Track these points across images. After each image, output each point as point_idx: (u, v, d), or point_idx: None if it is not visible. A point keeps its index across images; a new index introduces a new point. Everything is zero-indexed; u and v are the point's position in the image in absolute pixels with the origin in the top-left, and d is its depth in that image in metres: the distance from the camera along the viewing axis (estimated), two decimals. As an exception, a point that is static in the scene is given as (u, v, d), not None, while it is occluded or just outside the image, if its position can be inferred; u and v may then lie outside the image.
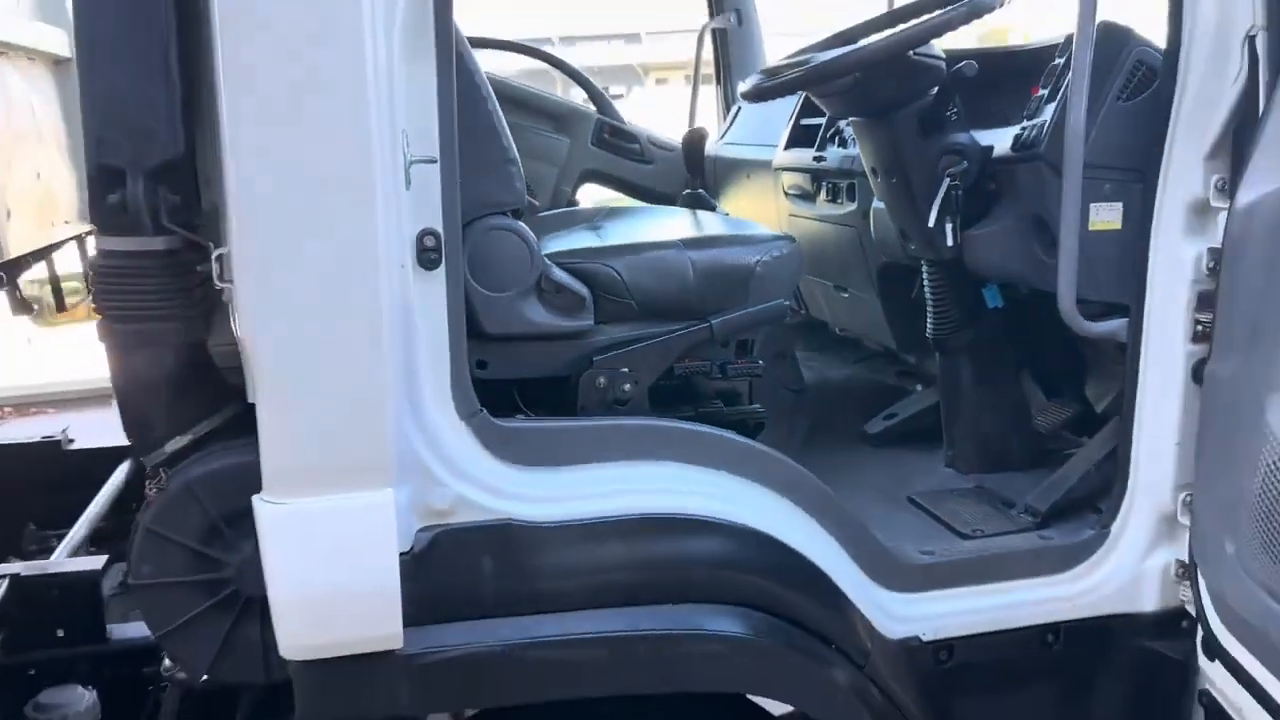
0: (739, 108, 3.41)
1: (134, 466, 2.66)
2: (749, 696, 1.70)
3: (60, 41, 2.43)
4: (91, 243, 1.92)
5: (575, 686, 1.50)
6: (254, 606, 1.43)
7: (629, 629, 1.50)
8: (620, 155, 3.40)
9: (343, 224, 1.31)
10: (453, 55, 1.40)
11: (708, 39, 3.55)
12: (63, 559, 2.12)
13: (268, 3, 1.23)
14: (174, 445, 1.46)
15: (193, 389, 1.49)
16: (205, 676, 1.48)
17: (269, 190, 1.27)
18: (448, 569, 1.44)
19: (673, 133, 3.44)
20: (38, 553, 2.47)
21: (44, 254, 2.34)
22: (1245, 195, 1.57)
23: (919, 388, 2.57)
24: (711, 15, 3.53)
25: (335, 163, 1.29)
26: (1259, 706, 1.56)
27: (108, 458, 2.77)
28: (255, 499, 1.36)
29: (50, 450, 2.82)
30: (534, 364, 1.70)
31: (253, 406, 1.35)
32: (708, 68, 3.66)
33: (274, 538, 1.35)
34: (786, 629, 1.58)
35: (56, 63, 2.47)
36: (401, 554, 1.39)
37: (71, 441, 2.87)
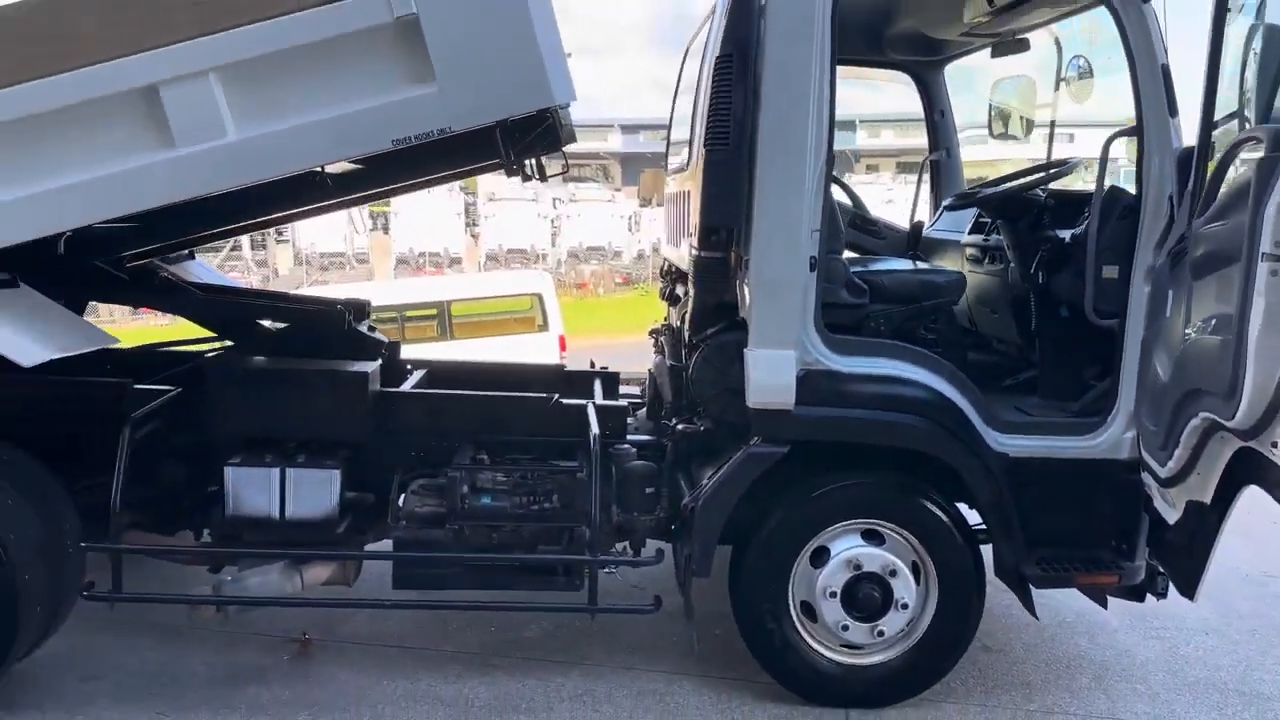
0: (943, 208, 5.64)
1: (603, 382, 5.12)
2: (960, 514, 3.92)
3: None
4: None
5: (855, 436, 3.79)
6: (740, 390, 3.79)
7: (882, 419, 3.77)
8: (865, 234, 5.69)
9: (791, 251, 3.67)
10: (830, 183, 3.76)
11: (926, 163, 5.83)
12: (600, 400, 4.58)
13: (775, 163, 3.62)
14: (711, 331, 3.88)
15: (717, 310, 3.89)
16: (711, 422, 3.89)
17: (766, 235, 3.66)
18: (810, 384, 3.75)
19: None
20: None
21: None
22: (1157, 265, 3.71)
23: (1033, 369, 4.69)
24: (931, 150, 5.80)
25: (792, 228, 3.66)
26: (1150, 479, 3.63)
27: (584, 377, 5.26)
28: (745, 350, 3.73)
29: (556, 370, 5.37)
30: (841, 316, 3.99)
31: (739, 319, 3.74)
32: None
33: (754, 364, 3.71)
34: (948, 432, 3.79)
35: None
36: (796, 376, 3.72)
37: (565, 366, 5.41)
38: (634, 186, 49.16)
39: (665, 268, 5.36)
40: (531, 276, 17.27)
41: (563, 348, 14.49)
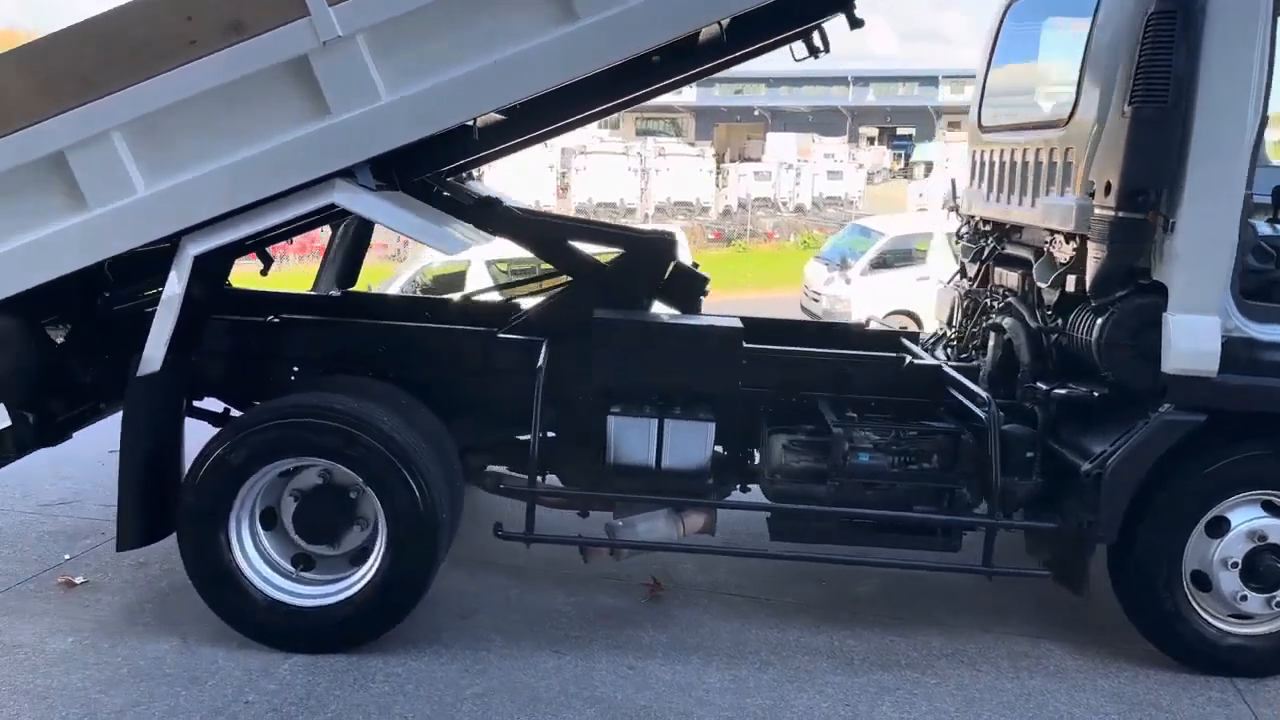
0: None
1: (912, 342, 5.08)
2: None
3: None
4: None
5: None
6: (1151, 355, 3.73)
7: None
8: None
9: (1224, 214, 3.59)
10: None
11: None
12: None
13: (1215, 123, 3.53)
14: (1120, 294, 3.80)
15: (1125, 276, 3.81)
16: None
17: (1200, 196, 3.58)
18: (1230, 352, 3.68)
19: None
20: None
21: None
22: None
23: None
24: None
25: (1228, 190, 3.57)
26: None
27: (887, 336, 5.23)
28: (1165, 315, 3.66)
29: (859, 328, 5.35)
30: (1253, 282, 3.86)
31: (1148, 283, 3.68)
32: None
33: (1176, 329, 3.65)
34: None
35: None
36: (1222, 342, 3.65)
37: (866, 325, 5.39)
38: (706, 141, 48.95)
39: (977, 227, 5.28)
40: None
41: (697, 303, 14.44)
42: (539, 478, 4.47)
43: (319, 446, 3.77)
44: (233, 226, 3.72)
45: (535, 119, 4.42)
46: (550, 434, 4.45)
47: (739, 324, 4.29)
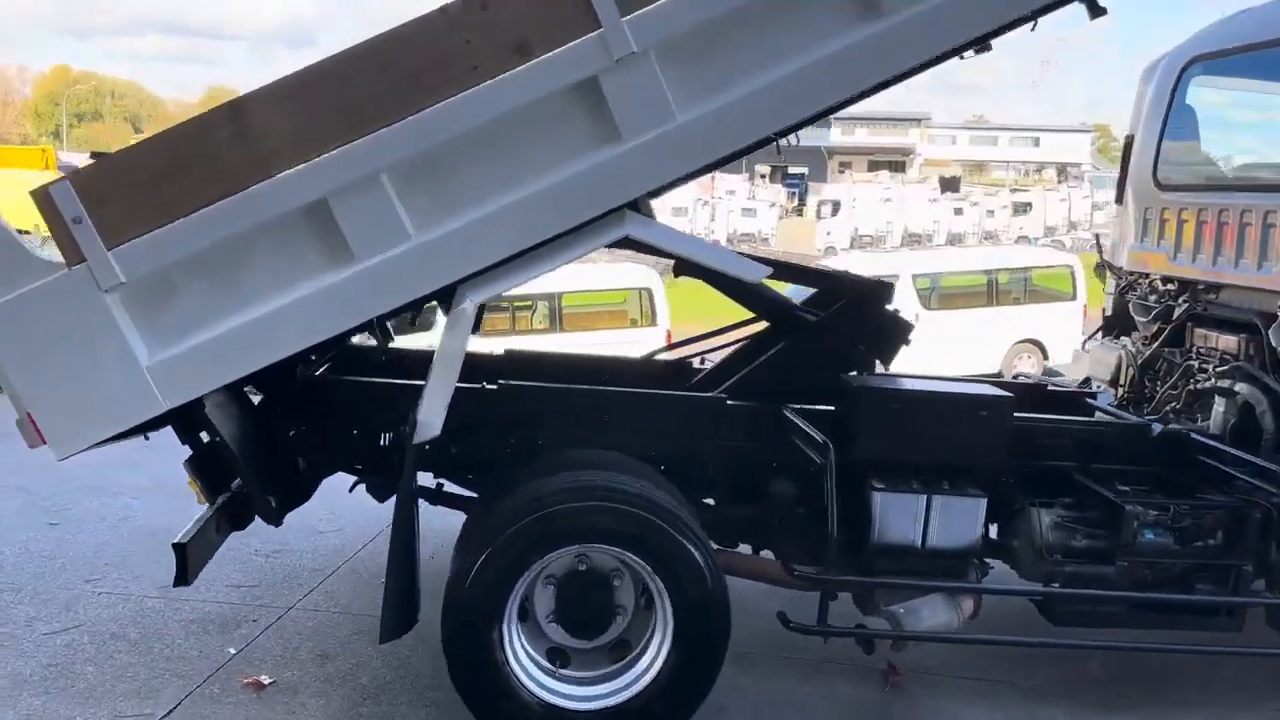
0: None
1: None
2: None
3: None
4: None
5: None
6: None
7: None
8: None
9: None
10: None
11: None
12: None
13: None
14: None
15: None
16: None
17: None
18: None
19: None
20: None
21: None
22: None
23: None
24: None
25: None
26: None
27: (1069, 397, 5.06)
28: None
29: (1039, 389, 5.16)
30: None
31: None
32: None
33: None
34: None
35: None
36: None
37: (1048, 385, 5.21)
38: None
39: (1153, 285, 5.19)
40: (641, 271, 17.02)
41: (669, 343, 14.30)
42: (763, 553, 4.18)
43: (611, 532, 3.34)
44: (514, 271, 3.30)
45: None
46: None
47: (1007, 393, 4.04)
